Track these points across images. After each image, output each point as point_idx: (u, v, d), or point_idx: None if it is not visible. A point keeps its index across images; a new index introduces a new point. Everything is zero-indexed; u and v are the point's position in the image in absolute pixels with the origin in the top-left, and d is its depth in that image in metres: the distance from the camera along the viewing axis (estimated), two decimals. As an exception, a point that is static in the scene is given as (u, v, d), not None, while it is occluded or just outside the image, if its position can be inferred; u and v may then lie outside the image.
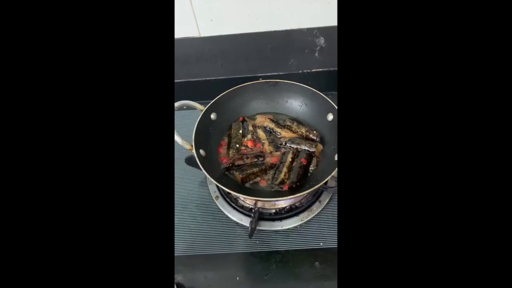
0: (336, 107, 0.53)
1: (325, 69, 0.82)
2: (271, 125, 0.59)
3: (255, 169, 0.53)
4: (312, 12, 0.69)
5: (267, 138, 0.58)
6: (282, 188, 0.51)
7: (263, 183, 0.53)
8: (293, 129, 0.58)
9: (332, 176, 0.55)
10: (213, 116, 0.58)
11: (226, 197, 0.59)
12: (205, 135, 0.55)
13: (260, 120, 0.60)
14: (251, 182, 0.53)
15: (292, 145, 0.56)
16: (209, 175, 0.48)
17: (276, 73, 0.82)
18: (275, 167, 0.54)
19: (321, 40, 0.75)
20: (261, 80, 0.61)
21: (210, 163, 0.53)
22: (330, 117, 0.55)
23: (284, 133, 0.58)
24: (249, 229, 0.50)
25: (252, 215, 0.52)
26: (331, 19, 0.70)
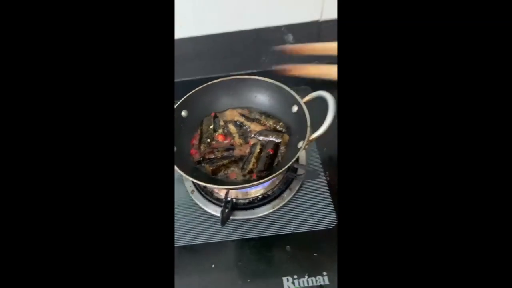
0: (299, 100, 0.55)
1: (296, 65, 0.85)
2: (241, 119, 0.61)
3: (225, 161, 0.55)
4: (278, 11, 0.72)
5: (238, 132, 0.60)
6: (251, 177, 0.54)
7: (233, 175, 0.56)
8: (261, 122, 0.61)
9: (299, 164, 0.58)
10: (184, 113, 0.60)
11: (202, 191, 0.61)
12: (176, 131, 0.58)
13: (230, 114, 0.63)
14: (221, 173, 0.56)
15: (260, 137, 0.59)
16: (181, 170, 0.50)
17: (250, 71, 0.84)
18: (244, 158, 0.57)
19: (290, 37, 0.78)
20: (230, 77, 0.63)
21: (181, 159, 0.55)
22: (295, 108, 0.58)
23: (254, 126, 0.61)
24: (220, 217, 0.53)
25: (223, 204, 0.54)
26: (296, 17, 0.73)
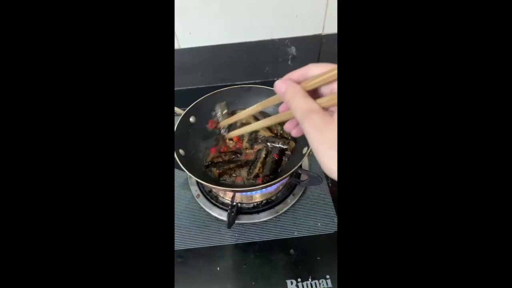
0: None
1: (299, 76, 0.88)
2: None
3: (232, 165, 0.57)
4: (282, 24, 0.75)
5: (248, 136, 0.62)
6: (256, 181, 0.56)
7: (239, 179, 0.57)
8: (271, 127, 0.63)
9: (303, 169, 0.60)
10: (192, 119, 0.62)
11: (207, 195, 0.62)
12: (184, 136, 0.60)
13: (245, 117, 0.64)
14: (227, 177, 0.57)
15: (267, 143, 0.61)
16: (189, 172, 0.52)
17: (253, 81, 0.87)
18: (250, 163, 0.59)
19: (293, 49, 0.82)
20: (236, 86, 0.66)
21: (189, 162, 0.57)
22: (299, 116, 0.60)
23: (263, 132, 0.62)
24: (227, 220, 0.54)
25: (229, 207, 0.55)
26: (300, 30, 0.77)
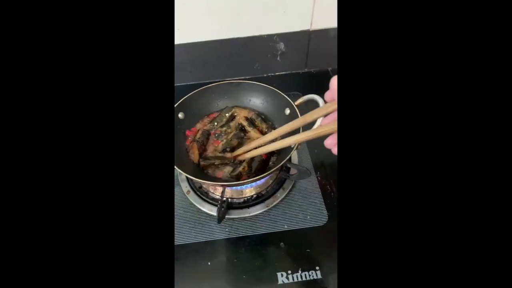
0: (292, 103, 0.58)
1: (287, 72, 0.89)
2: (244, 123, 0.63)
3: (217, 161, 0.58)
4: (270, 20, 0.76)
5: (226, 140, 0.62)
6: (239, 179, 0.56)
7: (220, 174, 0.58)
8: (256, 123, 0.63)
9: (292, 163, 0.61)
10: (180, 115, 0.62)
11: (197, 191, 0.63)
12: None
13: (239, 114, 0.65)
14: (211, 170, 0.58)
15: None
16: (179, 169, 0.52)
17: (243, 77, 0.88)
18: (236, 161, 0.59)
19: (281, 45, 0.82)
20: (225, 81, 0.66)
21: (178, 159, 0.57)
22: (287, 111, 0.61)
23: (253, 133, 0.62)
24: (217, 216, 0.54)
25: (219, 202, 0.56)
26: (288, 26, 0.77)
